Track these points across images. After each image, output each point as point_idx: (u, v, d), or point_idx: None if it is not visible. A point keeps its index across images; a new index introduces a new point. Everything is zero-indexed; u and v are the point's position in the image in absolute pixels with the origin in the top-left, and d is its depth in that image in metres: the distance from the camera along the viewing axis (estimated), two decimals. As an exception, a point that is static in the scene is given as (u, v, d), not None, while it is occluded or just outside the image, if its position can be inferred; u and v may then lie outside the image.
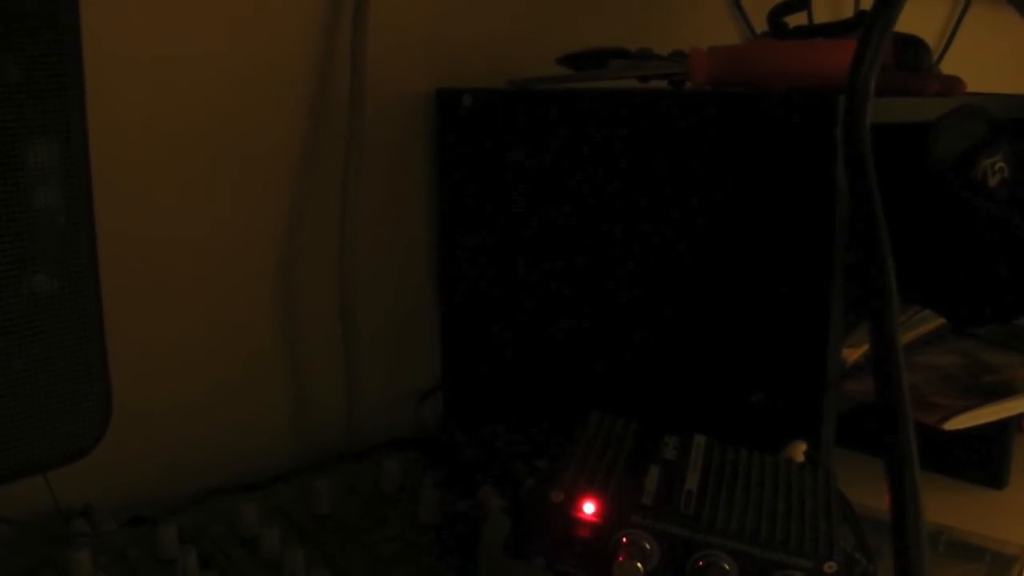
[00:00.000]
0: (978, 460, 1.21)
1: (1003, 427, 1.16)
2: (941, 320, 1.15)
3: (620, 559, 0.70)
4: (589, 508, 0.72)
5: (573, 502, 0.72)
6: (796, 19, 1.29)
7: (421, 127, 1.16)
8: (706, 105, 0.93)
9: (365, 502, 0.95)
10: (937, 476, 1.22)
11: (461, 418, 1.18)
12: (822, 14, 1.50)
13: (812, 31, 1.23)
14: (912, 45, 1.06)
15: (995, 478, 1.21)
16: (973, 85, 1.11)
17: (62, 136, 0.68)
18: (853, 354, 0.98)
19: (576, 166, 1.01)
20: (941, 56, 1.93)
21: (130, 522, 0.90)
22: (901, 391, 0.49)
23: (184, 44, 0.97)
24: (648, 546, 0.71)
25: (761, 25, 1.30)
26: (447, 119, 1.13)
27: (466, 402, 1.18)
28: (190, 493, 0.96)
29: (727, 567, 0.70)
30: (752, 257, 0.91)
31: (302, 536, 0.88)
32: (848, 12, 1.63)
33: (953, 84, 1.02)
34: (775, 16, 1.24)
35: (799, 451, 0.87)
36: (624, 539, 0.71)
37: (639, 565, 0.70)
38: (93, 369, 0.73)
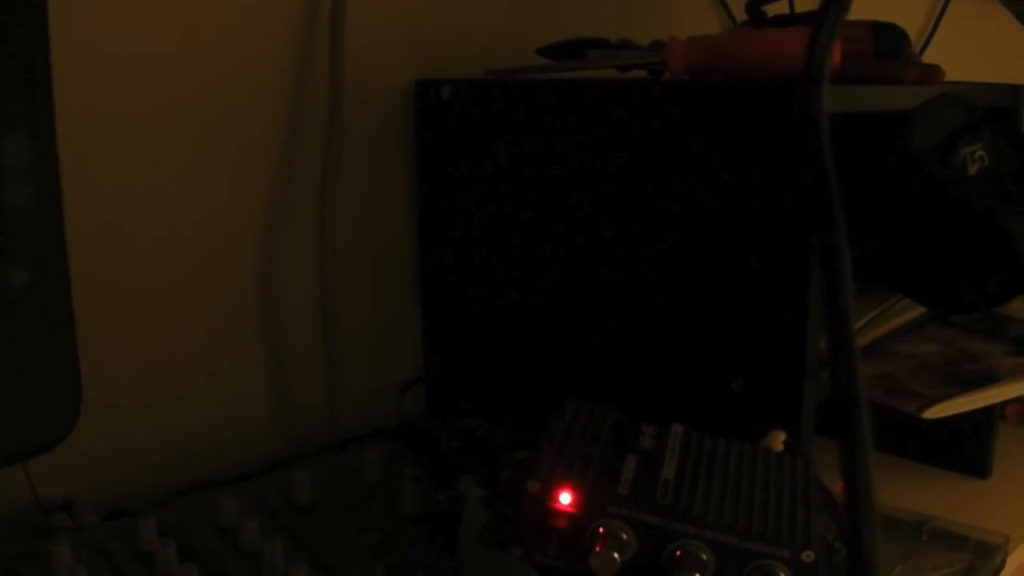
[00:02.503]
0: (961, 449, 1.21)
1: (986, 416, 1.16)
2: (921, 309, 1.15)
3: (596, 549, 0.71)
4: (566, 498, 0.72)
5: (550, 492, 0.72)
6: (779, 8, 1.29)
7: (400, 119, 1.15)
8: (682, 93, 0.93)
9: (346, 493, 0.95)
10: (921, 465, 1.23)
11: (442, 410, 1.18)
12: (804, 2, 1.50)
13: (791, 20, 1.23)
14: (890, 33, 1.06)
15: (978, 467, 1.21)
16: (956, 75, 1.11)
17: (30, 131, 0.68)
18: (832, 343, 0.98)
19: (555, 156, 1.01)
20: (924, 46, 1.93)
21: (110, 516, 0.90)
22: (854, 374, 0.49)
23: (161, 39, 0.96)
24: (625, 536, 0.71)
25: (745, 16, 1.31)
26: (426, 110, 1.13)
27: (447, 394, 1.18)
28: (171, 487, 0.96)
29: (704, 557, 0.70)
30: (730, 244, 0.91)
31: (282, 527, 0.88)
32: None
33: (932, 72, 1.02)
34: (752, 5, 1.25)
35: (778, 441, 0.87)
36: (601, 529, 0.71)
37: (615, 555, 0.70)
38: (62, 361, 0.73)
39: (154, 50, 0.96)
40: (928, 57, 1.20)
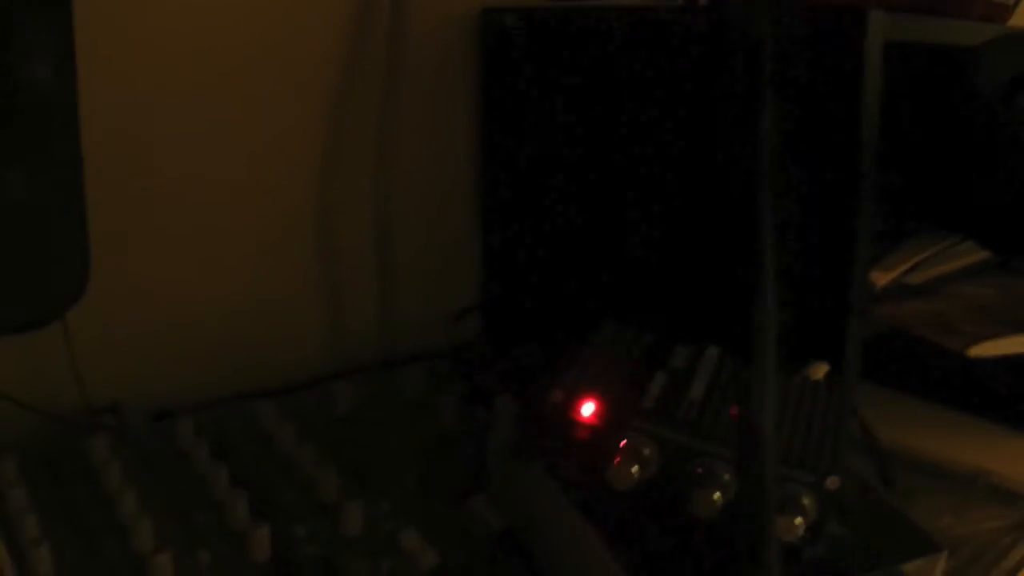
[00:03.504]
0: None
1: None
2: (984, 253, 1.12)
3: (615, 462, 0.69)
4: (588, 409, 0.71)
5: (572, 403, 0.72)
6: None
7: (465, 46, 1.15)
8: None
9: (386, 408, 0.96)
10: (990, 424, 1.20)
11: (497, 338, 1.18)
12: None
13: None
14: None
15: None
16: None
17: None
18: (884, 278, 0.97)
19: (618, 86, 1.00)
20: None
21: (153, 418, 0.92)
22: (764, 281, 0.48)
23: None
24: (647, 451, 0.70)
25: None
26: (491, 38, 1.12)
27: (503, 322, 1.18)
28: (218, 399, 0.98)
29: (726, 476, 0.69)
30: (776, 173, 0.89)
31: (318, 436, 0.88)
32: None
33: (999, 10, 0.99)
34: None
35: (820, 372, 0.85)
36: (622, 443, 0.70)
37: (633, 470, 0.69)
38: (71, 242, 0.75)
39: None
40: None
